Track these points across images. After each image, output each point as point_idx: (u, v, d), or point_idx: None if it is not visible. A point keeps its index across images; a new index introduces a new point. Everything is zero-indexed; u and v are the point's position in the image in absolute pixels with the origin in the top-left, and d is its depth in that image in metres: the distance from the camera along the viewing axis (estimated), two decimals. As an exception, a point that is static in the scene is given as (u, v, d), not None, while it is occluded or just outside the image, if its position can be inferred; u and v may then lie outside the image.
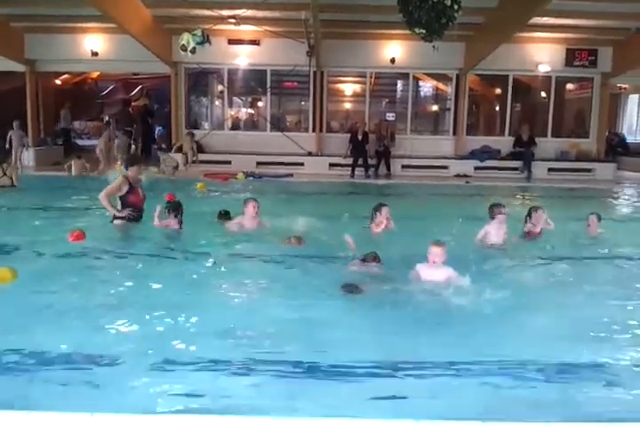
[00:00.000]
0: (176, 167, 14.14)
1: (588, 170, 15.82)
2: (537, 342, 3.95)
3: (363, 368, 3.45)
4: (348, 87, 17.47)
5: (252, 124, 17.44)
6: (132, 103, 19.72)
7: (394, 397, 3.20)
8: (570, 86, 17.56)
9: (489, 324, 4.17)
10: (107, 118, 20.27)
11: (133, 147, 16.43)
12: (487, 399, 3.21)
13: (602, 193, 13.05)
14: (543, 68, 15.73)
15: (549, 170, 15.68)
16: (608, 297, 4.94)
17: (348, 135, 15.26)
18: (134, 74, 20.18)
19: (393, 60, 15.52)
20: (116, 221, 6.99)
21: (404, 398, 3.19)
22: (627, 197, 12.84)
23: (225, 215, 7.56)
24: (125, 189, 6.92)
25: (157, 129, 19.49)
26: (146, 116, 18.39)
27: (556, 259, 6.17)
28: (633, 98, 21.61)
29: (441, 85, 17.59)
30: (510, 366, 3.56)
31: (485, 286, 4.83)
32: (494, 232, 6.50)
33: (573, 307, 4.70)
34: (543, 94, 17.08)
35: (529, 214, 6.94)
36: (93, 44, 15.37)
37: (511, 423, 2.75)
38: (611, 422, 2.85)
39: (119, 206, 6.93)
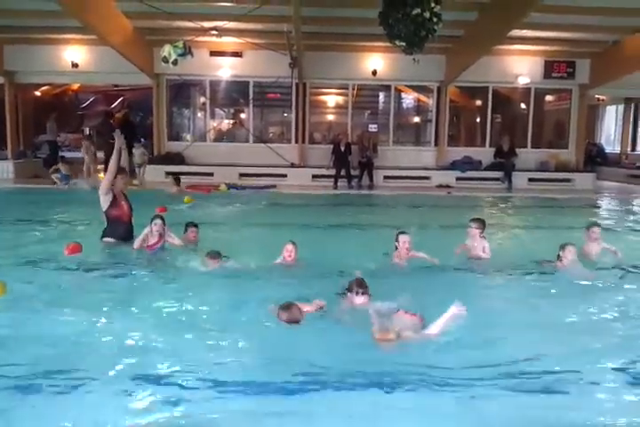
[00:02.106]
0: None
1: (568, 180, 16.02)
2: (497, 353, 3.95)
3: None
4: (331, 99, 17.56)
5: (234, 136, 17.41)
6: (116, 115, 19.58)
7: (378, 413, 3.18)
8: (549, 98, 17.83)
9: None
10: (88, 130, 20.13)
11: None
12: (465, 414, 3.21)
13: (582, 202, 13.22)
14: (522, 80, 15.96)
15: (530, 180, 15.85)
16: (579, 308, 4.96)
17: (331, 146, 15.29)
18: (115, 85, 20.08)
19: (375, 73, 15.65)
20: (105, 239, 6.72)
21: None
22: (607, 207, 13.03)
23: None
24: (110, 198, 6.59)
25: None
26: (127, 128, 18.22)
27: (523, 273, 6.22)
28: (610, 109, 21.98)
29: (422, 97, 17.74)
30: (484, 379, 3.56)
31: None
32: (471, 245, 6.56)
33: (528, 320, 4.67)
34: (523, 106, 17.31)
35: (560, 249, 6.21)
36: (74, 56, 15.29)
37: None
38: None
39: (105, 223, 6.72)
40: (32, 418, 3.02)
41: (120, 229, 6.69)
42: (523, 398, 3.36)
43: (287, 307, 4.25)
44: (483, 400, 3.31)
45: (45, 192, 12.86)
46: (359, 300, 4.63)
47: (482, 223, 6.61)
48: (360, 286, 4.69)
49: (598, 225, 6.87)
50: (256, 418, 3.07)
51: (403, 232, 6.37)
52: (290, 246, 5.99)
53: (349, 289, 4.72)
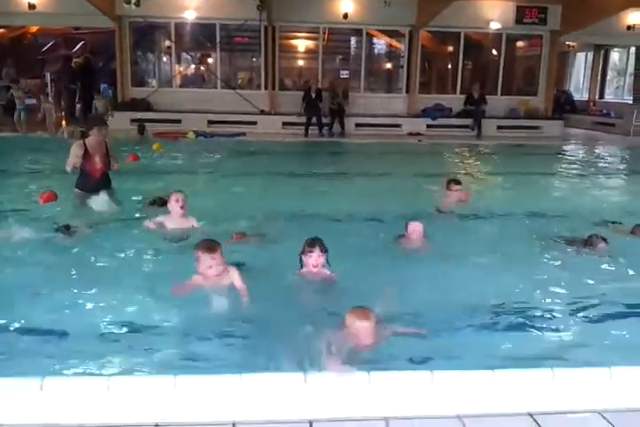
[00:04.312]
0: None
1: (537, 127, 16.16)
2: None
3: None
4: (301, 43, 17.13)
5: (201, 81, 16.97)
6: (74, 59, 18.83)
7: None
8: (520, 44, 17.73)
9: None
10: (49, 76, 19.37)
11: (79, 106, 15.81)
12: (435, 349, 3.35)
13: (549, 149, 13.43)
14: (494, 26, 15.75)
15: (499, 127, 15.93)
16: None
17: (302, 93, 15.04)
18: (75, 29, 19.22)
19: (346, 16, 15.22)
20: (76, 190, 6.49)
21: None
22: (572, 154, 13.25)
23: (157, 203, 6.14)
24: (80, 154, 6.31)
25: (102, 87, 18.74)
26: (88, 74, 17.60)
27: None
28: (580, 56, 21.95)
29: (394, 42, 17.44)
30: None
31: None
32: (444, 200, 6.52)
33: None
34: (494, 52, 17.18)
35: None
36: (30, -4, 14.51)
37: (459, 372, 2.87)
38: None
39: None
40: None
41: (89, 183, 6.42)
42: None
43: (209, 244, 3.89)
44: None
45: (7, 139, 12.46)
46: (310, 260, 4.15)
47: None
48: (310, 244, 4.17)
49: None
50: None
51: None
52: (178, 196, 5.29)
53: (302, 251, 4.20)
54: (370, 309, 3.13)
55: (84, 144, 6.40)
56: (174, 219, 5.34)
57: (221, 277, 3.89)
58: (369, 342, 3.05)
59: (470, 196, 6.73)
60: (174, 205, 5.28)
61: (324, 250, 4.16)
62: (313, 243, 4.15)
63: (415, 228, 5.11)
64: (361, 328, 3.05)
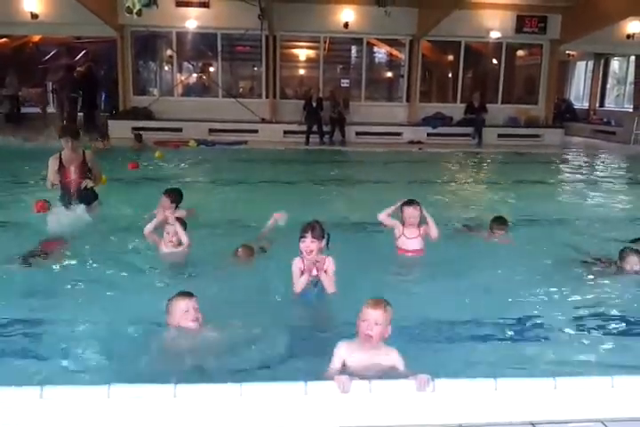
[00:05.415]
0: None
1: (537, 135, 16.17)
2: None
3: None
4: (302, 52, 17.22)
5: (203, 90, 17.04)
6: (77, 68, 18.92)
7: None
8: (520, 53, 17.80)
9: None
10: (51, 85, 19.46)
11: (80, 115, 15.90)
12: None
13: (549, 158, 13.45)
14: (494, 35, 15.82)
15: (499, 136, 15.92)
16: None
17: (303, 102, 15.08)
18: (77, 38, 19.33)
19: (346, 25, 15.30)
20: (57, 204, 6.38)
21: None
22: (573, 162, 13.26)
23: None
24: (56, 166, 6.20)
25: (103, 95, 18.83)
26: (91, 82, 17.69)
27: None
28: (580, 65, 22.00)
29: (395, 52, 17.52)
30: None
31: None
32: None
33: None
34: (494, 61, 17.24)
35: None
36: (33, 6, 14.56)
37: (461, 380, 2.85)
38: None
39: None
40: None
41: (66, 197, 6.30)
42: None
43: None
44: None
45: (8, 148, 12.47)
46: (302, 245, 3.95)
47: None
48: (304, 229, 3.95)
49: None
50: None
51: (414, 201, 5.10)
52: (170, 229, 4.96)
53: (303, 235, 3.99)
54: (387, 301, 3.01)
55: (60, 157, 6.26)
56: (166, 247, 5.05)
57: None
58: (373, 332, 2.90)
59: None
60: (166, 237, 5.02)
61: (318, 237, 3.93)
62: (306, 228, 3.95)
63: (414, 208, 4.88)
64: (369, 316, 2.92)
